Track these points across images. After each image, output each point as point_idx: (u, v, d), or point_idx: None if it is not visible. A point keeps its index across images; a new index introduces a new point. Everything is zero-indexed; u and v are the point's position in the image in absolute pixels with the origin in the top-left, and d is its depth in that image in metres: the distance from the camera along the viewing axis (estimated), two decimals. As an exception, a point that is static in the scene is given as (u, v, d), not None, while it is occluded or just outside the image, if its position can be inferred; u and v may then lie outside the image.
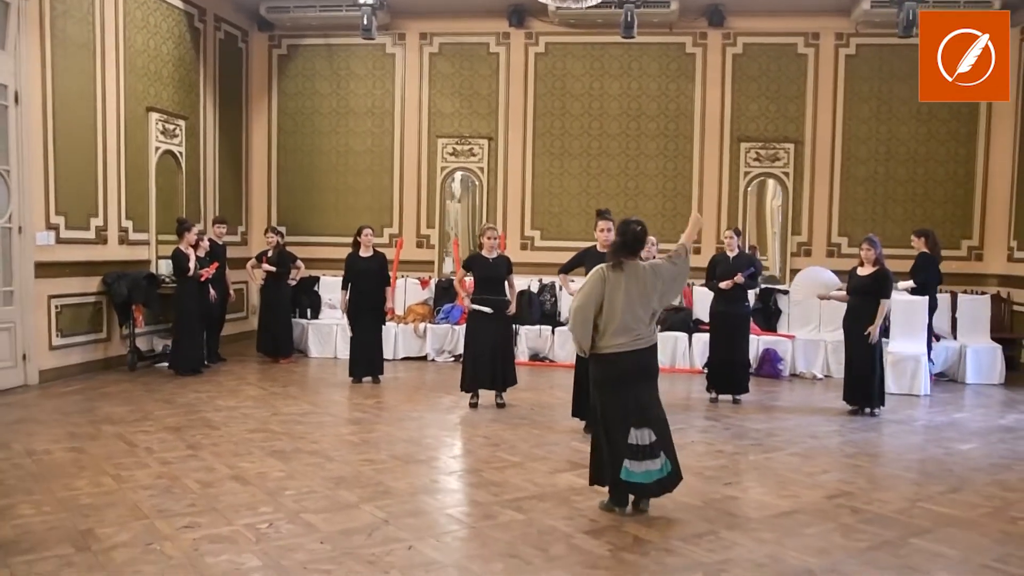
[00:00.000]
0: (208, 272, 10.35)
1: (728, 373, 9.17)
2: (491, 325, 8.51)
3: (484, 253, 8.62)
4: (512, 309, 8.67)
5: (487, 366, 8.51)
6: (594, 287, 5.35)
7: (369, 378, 10.04)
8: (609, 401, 5.39)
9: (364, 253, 9.96)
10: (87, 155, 10.18)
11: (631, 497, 5.40)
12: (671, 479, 5.36)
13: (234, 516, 5.11)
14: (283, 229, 12.74)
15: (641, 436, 5.26)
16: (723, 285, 9.02)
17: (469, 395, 8.71)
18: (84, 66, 10.10)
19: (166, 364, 10.47)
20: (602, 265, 5.45)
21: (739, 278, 8.94)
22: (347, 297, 9.93)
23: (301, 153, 13.87)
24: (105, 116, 10.45)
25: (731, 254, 9.20)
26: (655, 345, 5.46)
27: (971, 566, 4.61)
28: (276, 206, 13.96)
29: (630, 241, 5.36)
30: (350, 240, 10.24)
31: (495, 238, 8.69)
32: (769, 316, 11.90)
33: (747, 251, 11.76)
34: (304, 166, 13.86)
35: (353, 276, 9.90)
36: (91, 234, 10.25)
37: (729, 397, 9.25)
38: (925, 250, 10.16)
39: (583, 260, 7.66)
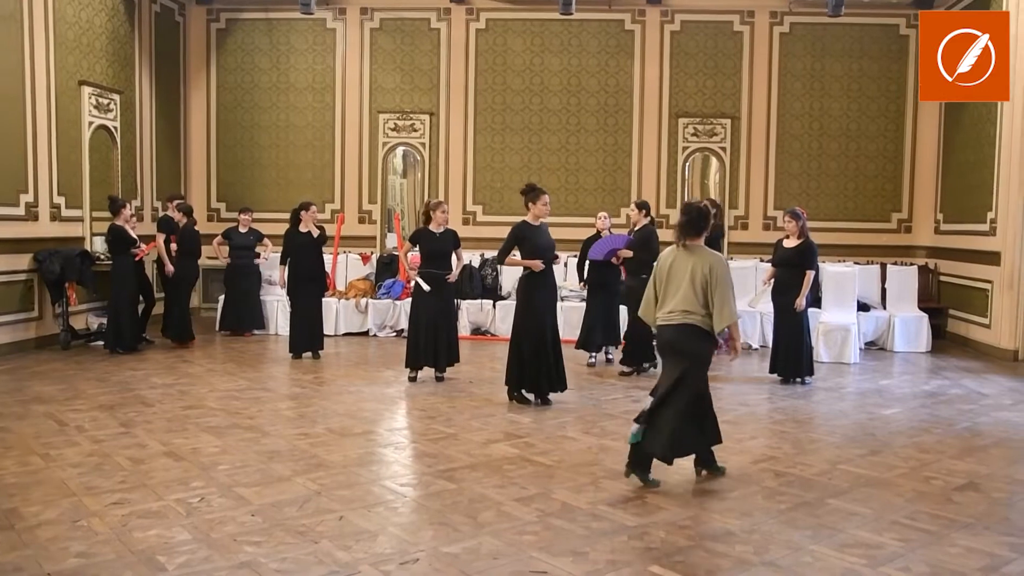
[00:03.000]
0: (143, 251, 10.21)
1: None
2: (434, 303, 8.53)
3: (432, 228, 8.61)
4: (452, 278, 8.64)
5: (430, 345, 8.55)
6: (653, 272, 5.62)
7: (309, 353, 10.03)
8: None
9: (303, 228, 9.95)
10: (15, 129, 9.95)
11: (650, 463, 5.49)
12: (636, 449, 5.43)
13: (165, 492, 5.11)
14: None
15: (646, 402, 5.52)
16: (613, 260, 9.39)
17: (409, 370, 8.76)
18: (11, 38, 9.84)
19: (101, 343, 10.33)
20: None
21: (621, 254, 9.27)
22: (286, 272, 9.92)
23: (241, 128, 13.69)
24: (34, 89, 10.20)
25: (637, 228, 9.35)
26: (685, 326, 5.36)
27: (883, 523, 4.80)
28: (216, 182, 13.78)
29: (695, 219, 5.45)
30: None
31: (447, 212, 8.72)
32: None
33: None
34: (244, 142, 13.69)
35: (292, 250, 9.89)
36: (20, 210, 10.04)
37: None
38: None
39: (517, 236, 7.73)
